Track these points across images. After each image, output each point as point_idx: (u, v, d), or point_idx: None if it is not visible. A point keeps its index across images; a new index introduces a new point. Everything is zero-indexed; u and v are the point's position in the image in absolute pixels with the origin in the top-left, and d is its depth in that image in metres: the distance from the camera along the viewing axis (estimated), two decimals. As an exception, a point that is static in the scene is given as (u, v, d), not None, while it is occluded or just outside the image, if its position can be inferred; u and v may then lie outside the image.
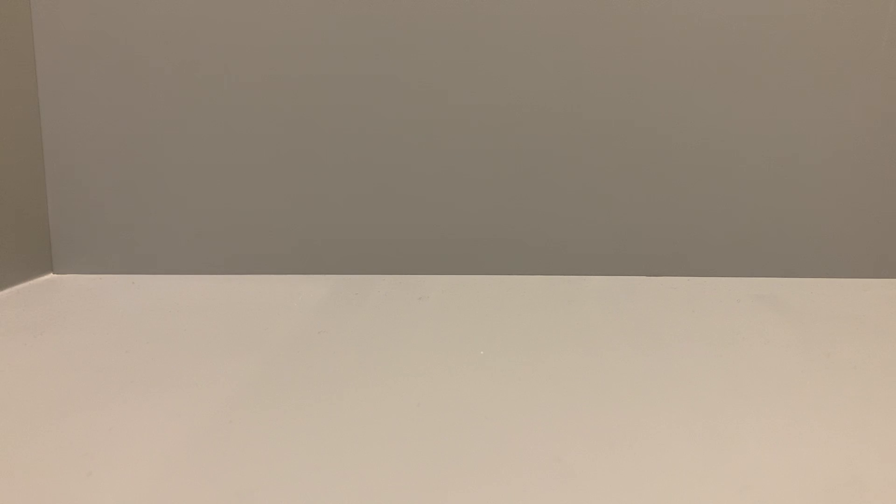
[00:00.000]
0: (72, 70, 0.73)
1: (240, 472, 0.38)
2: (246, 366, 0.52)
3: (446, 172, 0.75)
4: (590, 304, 0.67)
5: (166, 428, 0.43)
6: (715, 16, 0.71)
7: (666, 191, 0.74)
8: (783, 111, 0.72)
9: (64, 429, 0.43)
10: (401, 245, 0.76)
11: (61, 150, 0.75)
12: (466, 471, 0.38)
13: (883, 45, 0.71)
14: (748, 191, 0.74)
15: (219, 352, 0.55)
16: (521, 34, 0.72)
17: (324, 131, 0.74)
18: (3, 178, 0.71)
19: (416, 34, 0.72)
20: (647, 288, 0.72)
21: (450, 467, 0.38)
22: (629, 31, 0.71)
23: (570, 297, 0.69)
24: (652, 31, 0.71)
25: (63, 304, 0.68)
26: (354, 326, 0.61)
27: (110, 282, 0.75)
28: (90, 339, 0.58)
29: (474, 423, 0.43)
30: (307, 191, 0.75)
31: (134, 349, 0.56)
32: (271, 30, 0.72)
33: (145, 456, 0.39)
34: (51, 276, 0.76)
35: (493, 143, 0.74)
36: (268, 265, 0.76)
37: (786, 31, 0.71)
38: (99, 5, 0.72)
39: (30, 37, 0.73)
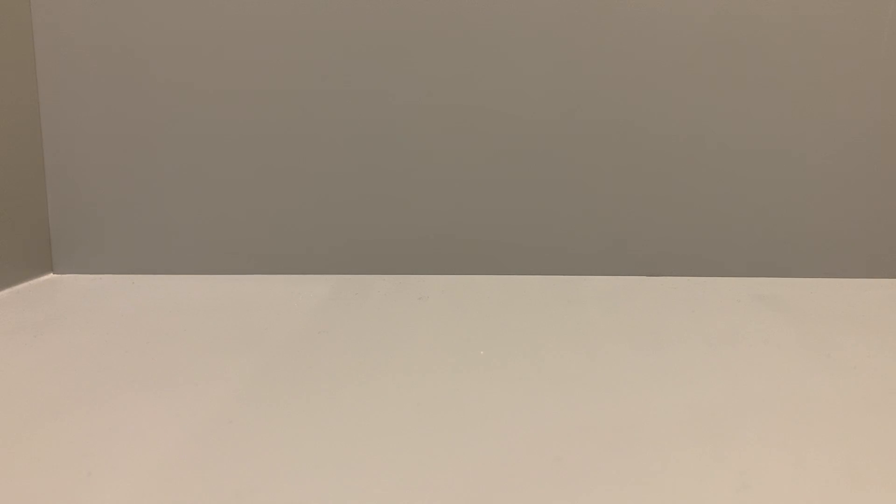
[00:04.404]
0: (72, 70, 0.73)
1: (240, 472, 0.38)
2: (246, 366, 0.52)
3: (446, 173, 0.75)
4: (590, 304, 0.67)
5: (166, 428, 0.43)
6: (714, 15, 0.71)
7: (666, 191, 0.74)
8: (783, 111, 0.72)
9: (64, 429, 0.43)
10: (401, 245, 0.76)
11: (61, 150, 0.75)
12: (466, 471, 0.38)
13: (883, 45, 0.71)
14: (748, 191, 0.74)
15: (219, 352, 0.55)
16: (519, 36, 0.72)
17: (323, 132, 0.74)
18: (3, 178, 0.71)
19: (415, 37, 0.72)
20: (647, 288, 0.72)
21: (450, 467, 0.38)
22: (628, 31, 0.71)
23: (570, 297, 0.69)
24: (651, 31, 0.71)
25: (63, 304, 0.68)
26: (355, 326, 0.61)
27: (110, 282, 0.75)
28: (90, 339, 0.58)
29: (474, 423, 0.43)
30: (307, 191, 0.75)
31: (134, 349, 0.56)
32: (269, 34, 0.72)
33: (145, 456, 0.39)
34: (51, 276, 0.76)
35: (493, 143, 0.74)
36: (268, 265, 0.76)
37: (785, 32, 0.71)
38: (99, 6, 0.72)
39: (30, 37, 0.72)
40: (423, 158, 0.75)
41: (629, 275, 0.76)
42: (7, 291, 0.71)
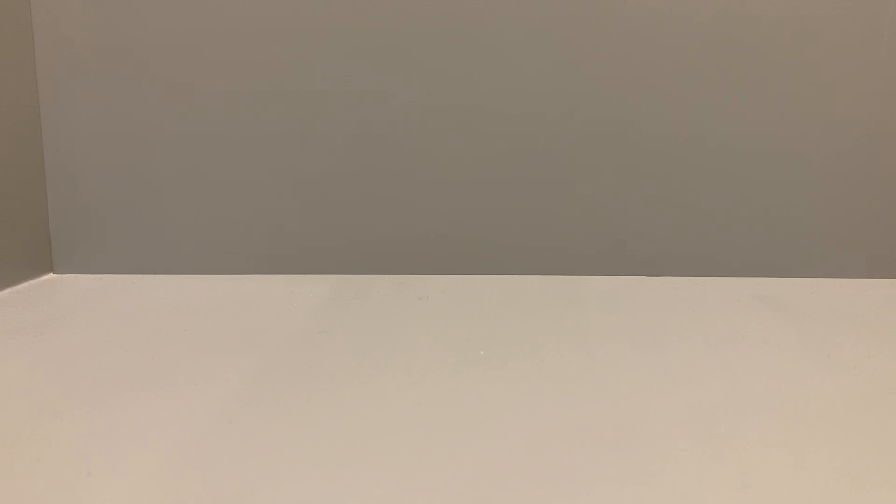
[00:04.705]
0: (72, 70, 0.73)
1: (240, 472, 0.38)
2: (246, 365, 0.52)
3: (446, 173, 0.75)
4: (590, 304, 0.67)
5: (166, 428, 0.43)
6: (714, 15, 0.71)
7: (665, 191, 0.74)
8: (783, 111, 0.72)
9: (64, 429, 0.43)
10: (401, 245, 0.76)
11: (61, 150, 0.75)
12: (466, 471, 0.38)
13: (883, 45, 0.71)
14: (748, 191, 0.74)
15: (219, 351, 0.55)
16: (519, 36, 0.72)
17: (323, 132, 0.74)
18: (3, 178, 0.71)
19: (415, 37, 0.72)
20: (647, 288, 0.72)
21: (450, 467, 0.38)
22: (628, 31, 0.71)
23: (570, 297, 0.69)
24: (651, 31, 0.71)
25: (63, 304, 0.68)
26: (355, 326, 0.61)
27: (110, 282, 0.75)
28: (90, 339, 0.58)
29: (474, 423, 0.43)
30: (307, 191, 0.75)
31: (134, 349, 0.56)
32: (269, 34, 0.72)
33: (145, 456, 0.39)
34: (51, 276, 0.76)
35: (493, 143, 0.74)
36: (268, 265, 0.76)
37: (785, 32, 0.71)
38: (99, 6, 0.72)
39: (30, 37, 0.73)
40: (423, 158, 0.75)
41: (629, 275, 0.76)
42: (7, 291, 0.71)
